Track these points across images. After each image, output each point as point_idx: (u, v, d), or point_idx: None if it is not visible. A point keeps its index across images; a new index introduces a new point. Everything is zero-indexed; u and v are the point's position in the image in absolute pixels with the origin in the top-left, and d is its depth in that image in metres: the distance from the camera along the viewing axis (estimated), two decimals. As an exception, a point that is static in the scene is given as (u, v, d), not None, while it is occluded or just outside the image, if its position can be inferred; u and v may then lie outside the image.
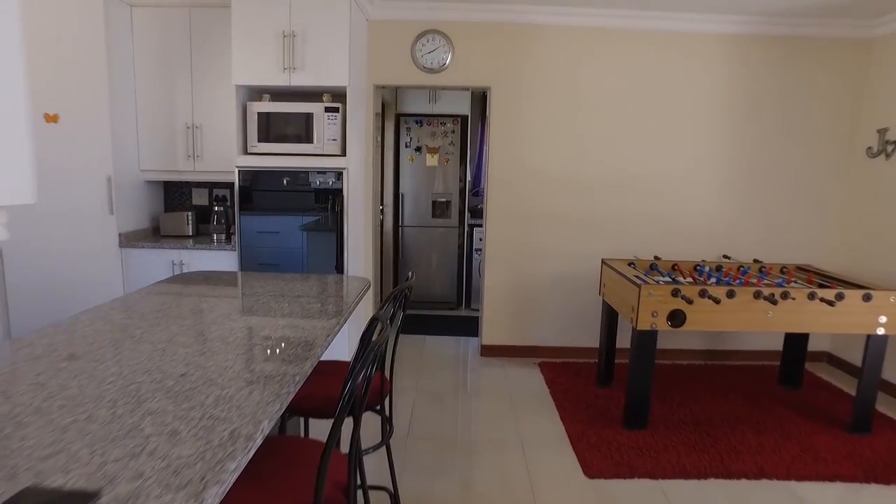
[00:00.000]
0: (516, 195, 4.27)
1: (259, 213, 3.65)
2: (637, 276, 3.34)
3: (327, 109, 3.57)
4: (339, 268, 3.68)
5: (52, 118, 3.41)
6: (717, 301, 3.01)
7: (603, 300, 3.81)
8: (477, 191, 6.13)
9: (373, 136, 4.26)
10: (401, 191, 5.64)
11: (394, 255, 5.76)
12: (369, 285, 2.68)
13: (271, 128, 3.61)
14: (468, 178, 5.69)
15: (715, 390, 3.84)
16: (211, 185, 4.35)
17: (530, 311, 4.43)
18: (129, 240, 3.81)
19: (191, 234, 4.10)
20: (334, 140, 3.60)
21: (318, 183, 3.60)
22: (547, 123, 4.20)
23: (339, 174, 3.58)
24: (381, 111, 5.15)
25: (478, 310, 5.24)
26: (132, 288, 3.85)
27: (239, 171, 3.62)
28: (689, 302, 3.01)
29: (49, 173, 3.42)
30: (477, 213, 5.87)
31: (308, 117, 3.58)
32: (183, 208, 4.35)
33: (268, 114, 3.59)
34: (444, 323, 5.33)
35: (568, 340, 4.47)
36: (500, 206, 4.28)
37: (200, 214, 4.32)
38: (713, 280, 3.51)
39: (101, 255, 3.67)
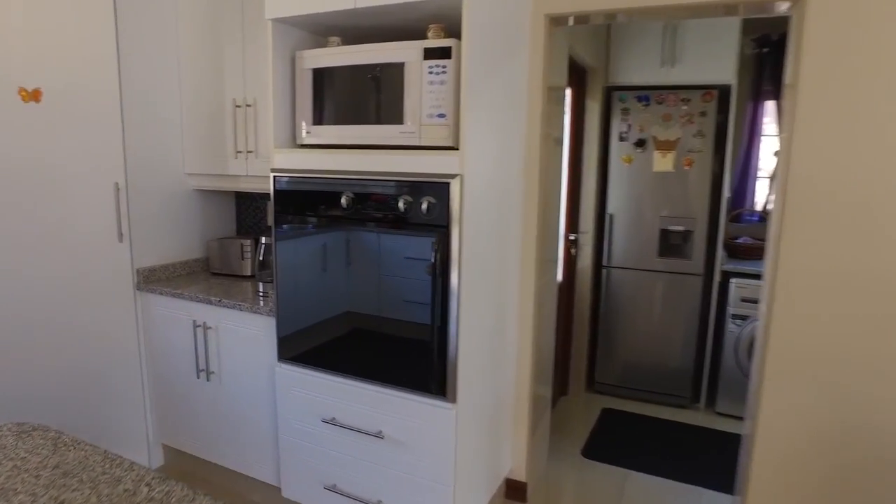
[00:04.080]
0: (850, 231, 1.87)
1: (307, 252, 1.99)
2: None
3: (429, 54, 1.73)
4: (438, 367, 1.81)
5: (30, 95, 2.20)
6: None
7: None
8: (741, 214, 3.67)
9: (542, 117, 2.28)
10: (608, 210, 3.53)
11: (591, 312, 3.66)
12: None
13: (338, 97, 1.91)
14: (726, 192, 3.31)
15: None
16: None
17: (867, 493, 1.98)
18: (149, 280, 2.50)
19: (249, 272, 2.65)
20: (439, 116, 1.74)
21: (401, 207, 1.78)
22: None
23: (442, 188, 1.71)
24: (569, 79, 3.12)
25: (730, 416, 2.91)
26: (153, 350, 2.52)
27: (276, 177, 2.01)
28: None
29: (23, 177, 2.23)
30: (739, 251, 3.44)
31: (392, 72, 1.79)
32: (256, 231, 2.95)
33: (331, 71, 1.90)
34: (666, 438, 3.08)
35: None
36: (810, 249, 1.92)
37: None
38: None
39: (103, 302, 2.41)
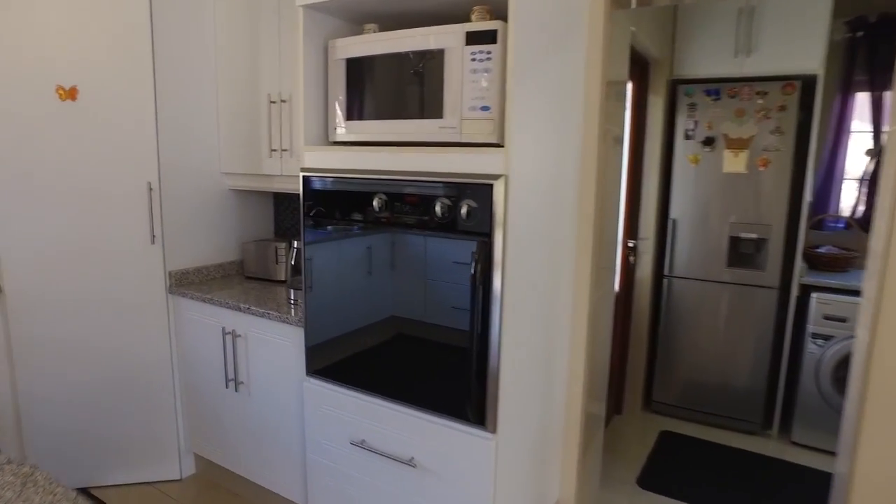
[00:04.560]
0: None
1: (339, 257, 1.83)
2: None
3: (472, 38, 1.54)
4: (477, 392, 1.61)
5: (67, 93, 2.15)
6: None
7: None
8: (823, 221, 3.29)
9: (600, 113, 2.04)
10: (671, 215, 3.24)
11: (650, 325, 3.37)
12: None
13: (372, 90, 1.74)
14: (807, 196, 2.95)
15: None
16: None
17: None
18: (181, 283, 2.41)
19: (282, 277, 2.53)
20: (483, 109, 1.54)
21: (438, 211, 1.59)
22: None
23: (484, 190, 1.51)
24: (630, 72, 2.86)
25: (808, 448, 2.56)
26: (184, 356, 2.43)
27: (305, 178, 1.86)
28: None
29: (57, 176, 2.18)
30: (821, 262, 3.08)
31: (430, 60, 1.60)
32: (293, 233, 2.83)
33: (368, 61, 1.73)
34: (733, 469, 2.76)
35: None
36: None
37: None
38: None
39: (136, 305, 2.34)
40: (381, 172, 1.69)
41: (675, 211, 3.22)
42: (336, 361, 1.88)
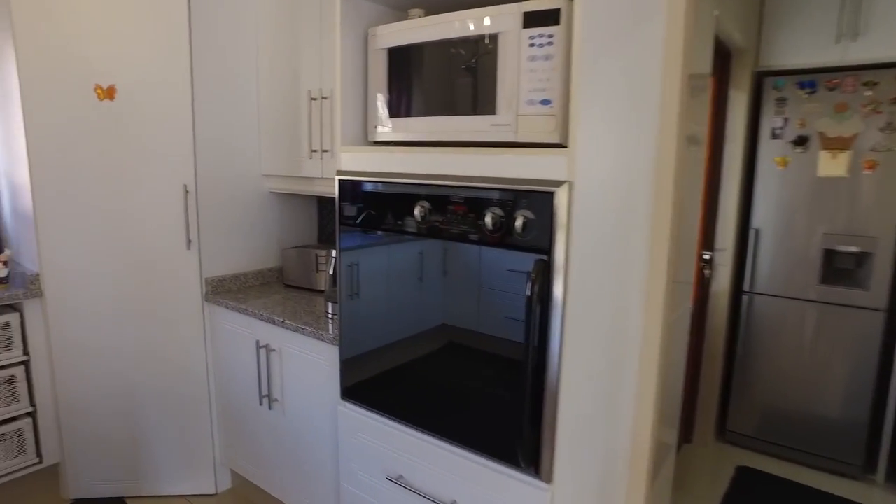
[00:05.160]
0: None
1: (377, 269, 1.64)
2: None
3: (530, 20, 1.30)
4: (530, 435, 1.38)
5: (105, 92, 2.06)
6: None
7: None
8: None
9: (679, 111, 1.74)
10: (753, 224, 2.88)
11: (726, 345, 3.02)
12: None
13: (416, 83, 1.54)
14: (922, 204, 2.53)
15: None
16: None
17: None
18: (218, 291, 2.28)
19: (323, 287, 2.37)
20: (542, 103, 1.31)
21: (488, 223, 1.36)
22: None
23: (544, 199, 1.27)
24: (715, 65, 2.54)
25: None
26: (219, 368, 2.31)
27: (341, 182, 1.67)
28: None
29: (95, 178, 2.10)
30: (937, 282, 2.64)
31: (482, 47, 1.38)
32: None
33: (411, 50, 1.53)
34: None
35: None
36: None
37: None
38: None
39: (172, 313, 2.23)
40: (423, 176, 1.48)
41: (757, 219, 2.86)
42: (373, 384, 1.69)
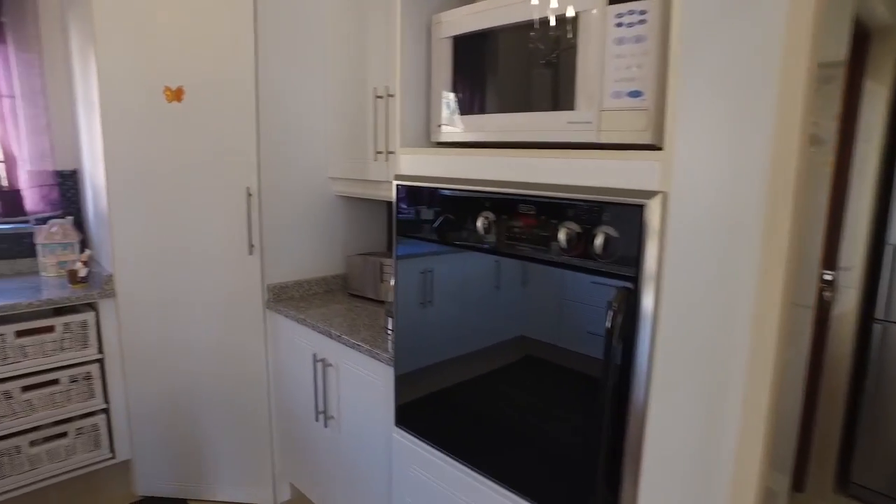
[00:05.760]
0: None
1: (438, 284, 1.46)
2: None
3: (619, -5, 1.07)
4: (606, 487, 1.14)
5: (174, 94, 2.03)
6: None
7: None
8: None
9: (803, 107, 1.42)
10: (889, 240, 2.43)
11: (851, 382, 2.57)
12: None
13: (484, 75, 1.35)
14: None
15: None
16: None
17: None
18: (279, 298, 2.21)
19: (389, 298, 2.22)
20: (632, 95, 1.07)
21: (562, 240, 1.14)
22: None
23: (631, 213, 1.03)
24: (850, 52, 2.15)
25: None
26: (279, 378, 2.23)
27: (398, 187, 1.51)
28: None
29: (162, 180, 2.09)
30: None
31: (560, 31, 1.16)
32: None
33: (475, 37, 1.34)
34: None
35: None
36: None
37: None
38: None
39: (234, 320, 2.18)
40: (487, 183, 1.28)
41: (895, 234, 2.41)
42: (429, 407, 1.52)
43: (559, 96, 1.17)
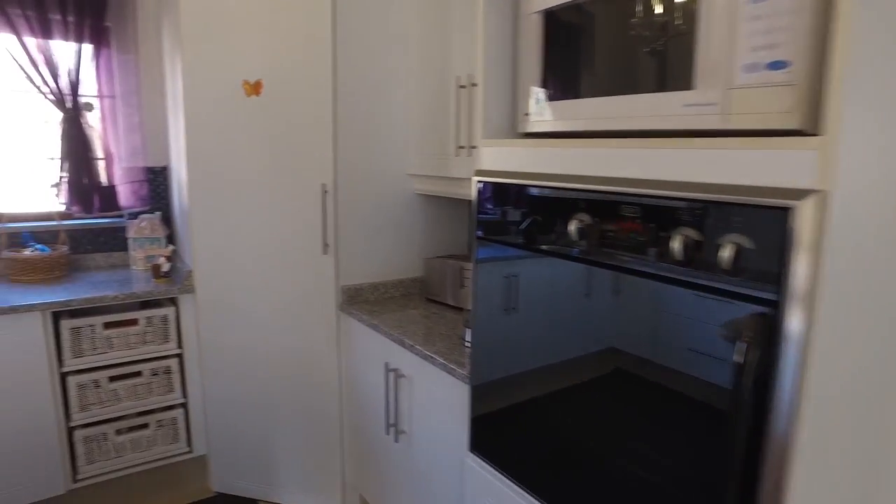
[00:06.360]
0: None
1: (524, 294, 1.28)
2: None
3: (762, -61, 0.84)
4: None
5: (252, 88, 1.99)
6: None
7: None
8: None
9: None
10: None
11: None
12: None
13: (579, 55, 1.15)
14: None
15: None
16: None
17: None
18: (353, 301, 2.11)
19: (468, 305, 2.06)
20: (772, 66, 0.83)
21: (676, 250, 0.92)
22: None
23: (775, 216, 0.80)
24: None
25: None
26: (350, 385, 2.14)
27: (479, 184, 1.34)
28: None
29: (239, 176, 2.05)
30: None
31: (680, -9, 0.95)
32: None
33: (569, 11, 1.14)
34: None
35: None
36: None
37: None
38: None
39: (307, 321, 2.11)
40: (581, 179, 1.09)
41: None
42: (508, 443, 1.34)
43: (674, 75, 0.96)
